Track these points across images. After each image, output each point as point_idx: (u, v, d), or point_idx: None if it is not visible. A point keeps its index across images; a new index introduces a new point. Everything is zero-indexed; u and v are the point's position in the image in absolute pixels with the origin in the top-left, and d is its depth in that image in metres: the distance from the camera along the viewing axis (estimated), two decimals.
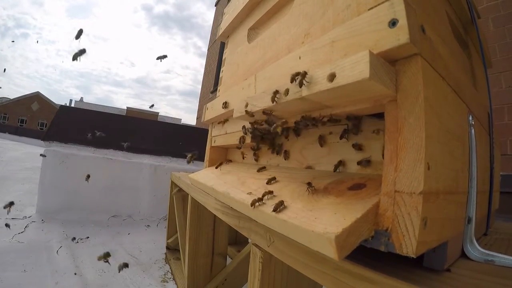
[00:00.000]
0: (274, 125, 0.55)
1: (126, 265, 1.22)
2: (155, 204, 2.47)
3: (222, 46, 1.30)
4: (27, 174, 3.60)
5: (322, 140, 0.57)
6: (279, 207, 0.45)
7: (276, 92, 0.51)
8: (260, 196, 0.51)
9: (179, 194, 1.64)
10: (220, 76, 1.19)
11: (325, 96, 0.42)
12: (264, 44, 0.82)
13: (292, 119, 0.58)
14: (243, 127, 0.75)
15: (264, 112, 0.58)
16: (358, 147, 0.49)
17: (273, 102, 0.52)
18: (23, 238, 1.63)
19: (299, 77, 0.44)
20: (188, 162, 1.30)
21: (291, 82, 0.47)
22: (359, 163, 0.48)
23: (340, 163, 0.52)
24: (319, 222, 0.37)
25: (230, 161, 1.10)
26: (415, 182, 0.34)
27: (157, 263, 1.59)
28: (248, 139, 0.76)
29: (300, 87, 0.44)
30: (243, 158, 0.96)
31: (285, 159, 0.71)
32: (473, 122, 0.53)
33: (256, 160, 0.86)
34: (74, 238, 1.72)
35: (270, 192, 0.52)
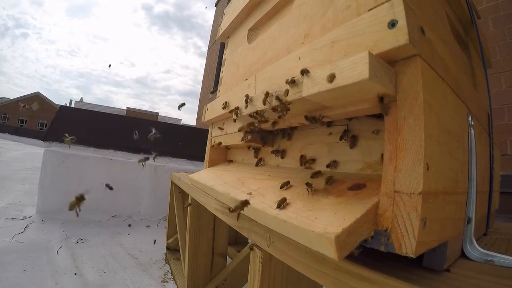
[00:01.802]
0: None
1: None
2: (155, 204, 2.47)
3: (222, 46, 1.30)
4: (27, 174, 3.60)
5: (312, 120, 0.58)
6: (282, 203, 0.46)
7: (267, 94, 0.52)
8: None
9: (180, 195, 1.64)
10: (220, 77, 1.19)
11: (325, 96, 0.42)
12: (264, 44, 0.82)
13: (292, 120, 0.58)
14: (245, 128, 0.75)
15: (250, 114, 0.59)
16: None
17: (264, 104, 0.52)
18: (23, 238, 1.63)
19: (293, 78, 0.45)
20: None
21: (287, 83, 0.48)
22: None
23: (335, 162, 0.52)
24: (319, 222, 0.37)
25: (231, 161, 1.10)
26: (414, 182, 0.34)
27: (157, 263, 1.59)
28: (249, 139, 0.76)
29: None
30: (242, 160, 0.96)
31: (281, 158, 0.71)
32: (472, 123, 0.53)
33: (256, 157, 0.86)
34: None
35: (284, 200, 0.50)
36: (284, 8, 0.79)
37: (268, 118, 0.61)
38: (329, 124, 0.56)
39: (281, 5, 0.80)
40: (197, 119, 9.90)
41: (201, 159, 1.22)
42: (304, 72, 0.44)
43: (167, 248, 1.73)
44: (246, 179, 0.72)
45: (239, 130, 0.75)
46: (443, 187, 0.39)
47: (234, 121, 0.77)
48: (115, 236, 1.95)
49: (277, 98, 0.51)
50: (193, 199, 1.16)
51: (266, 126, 0.66)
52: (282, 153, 0.71)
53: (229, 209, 0.54)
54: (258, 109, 0.58)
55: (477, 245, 0.49)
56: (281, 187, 0.54)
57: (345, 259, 0.36)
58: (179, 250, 1.46)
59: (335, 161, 0.53)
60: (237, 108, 0.67)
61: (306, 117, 0.52)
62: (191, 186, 1.15)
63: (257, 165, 0.80)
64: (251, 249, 0.61)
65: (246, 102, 0.63)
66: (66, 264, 1.40)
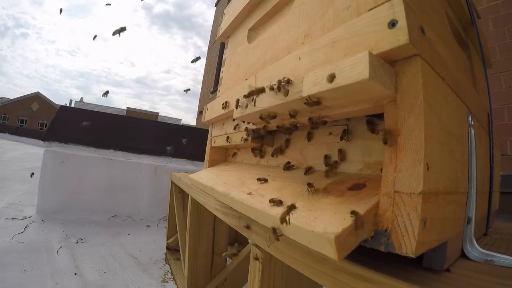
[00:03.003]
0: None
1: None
2: (155, 204, 2.47)
3: (222, 46, 1.30)
4: (27, 174, 3.60)
5: (310, 136, 0.59)
6: (291, 210, 0.43)
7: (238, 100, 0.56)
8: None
9: (180, 195, 1.64)
10: (220, 77, 1.19)
11: (325, 96, 0.42)
12: (264, 44, 0.82)
13: (293, 120, 0.58)
14: (246, 128, 0.75)
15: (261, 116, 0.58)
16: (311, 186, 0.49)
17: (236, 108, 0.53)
18: (23, 238, 1.63)
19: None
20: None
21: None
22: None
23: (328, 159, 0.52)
24: (319, 222, 0.37)
25: (231, 159, 1.10)
26: (414, 182, 0.34)
27: (157, 263, 1.59)
28: (249, 139, 0.76)
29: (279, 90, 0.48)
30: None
31: (281, 154, 0.72)
32: (472, 123, 0.53)
33: (259, 156, 0.86)
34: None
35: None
36: (284, 8, 0.79)
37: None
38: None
39: (281, 5, 0.80)
40: (197, 119, 9.90)
41: (201, 159, 1.22)
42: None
43: (167, 248, 1.73)
44: (246, 179, 0.72)
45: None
46: (443, 187, 0.39)
47: (234, 120, 0.77)
48: (115, 236, 1.95)
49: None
50: (193, 199, 1.16)
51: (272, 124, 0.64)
52: (285, 144, 0.72)
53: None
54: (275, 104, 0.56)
55: (477, 245, 0.49)
56: (304, 173, 0.56)
57: (345, 259, 0.36)
58: (179, 250, 1.46)
59: (335, 162, 0.53)
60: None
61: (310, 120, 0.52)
62: (191, 186, 1.15)
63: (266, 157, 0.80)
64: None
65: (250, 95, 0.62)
66: (66, 264, 1.40)
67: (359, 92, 0.38)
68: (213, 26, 10.19)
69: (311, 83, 0.43)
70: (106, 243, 1.77)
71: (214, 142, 1.10)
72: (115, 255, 1.60)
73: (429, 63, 0.38)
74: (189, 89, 2.17)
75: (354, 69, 0.35)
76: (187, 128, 3.59)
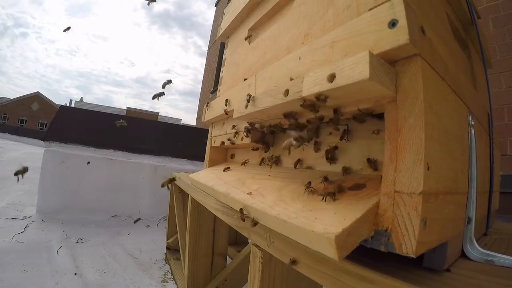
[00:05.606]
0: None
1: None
2: (155, 204, 2.47)
3: (222, 46, 1.30)
4: (27, 174, 3.59)
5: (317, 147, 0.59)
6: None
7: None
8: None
9: (180, 195, 1.63)
10: (220, 76, 1.19)
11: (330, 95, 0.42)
12: (264, 44, 0.82)
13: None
14: (245, 128, 0.75)
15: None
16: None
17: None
18: (23, 238, 1.63)
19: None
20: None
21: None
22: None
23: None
24: (319, 222, 0.37)
25: (231, 160, 1.10)
26: (414, 182, 0.34)
27: (157, 263, 1.59)
28: (248, 140, 0.76)
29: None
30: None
31: (276, 164, 0.71)
32: (472, 123, 0.53)
33: (259, 157, 0.86)
34: None
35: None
36: (284, 8, 0.79)
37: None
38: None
39: (281, 5, 0.80)
40: (197, 119, 9.90)
41: (201, 159, 1.22)
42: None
43: (167, 248, 1.73)
44: (246, 179, 0.72)
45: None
46: (443, 187, 0.39)
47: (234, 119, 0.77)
48: (115, 236, 1.95)
49: None
50: (193, 199, 1.16)
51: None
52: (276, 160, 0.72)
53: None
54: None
55: (477, 245, 0.49)
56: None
57: (345, 259, 0.36)
58: (179, 250, 1.46)
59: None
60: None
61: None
62: (191, 186, 1.15)
63: (260, 164, 0.80)
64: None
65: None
66: (66, 264, 1.40)
67: (359, 92, 0.38)
68: (213, 26, 10.19)
69: (312, 83, 0.43)
70: (106, 243, 1.77)
71: (214, 142, 1.10)
72: (115, 255, 1.60)
73: (429, 63, 0.38)
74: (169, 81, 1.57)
75: (354, 69, 0.35)
76: (187, 128, 3.59)
